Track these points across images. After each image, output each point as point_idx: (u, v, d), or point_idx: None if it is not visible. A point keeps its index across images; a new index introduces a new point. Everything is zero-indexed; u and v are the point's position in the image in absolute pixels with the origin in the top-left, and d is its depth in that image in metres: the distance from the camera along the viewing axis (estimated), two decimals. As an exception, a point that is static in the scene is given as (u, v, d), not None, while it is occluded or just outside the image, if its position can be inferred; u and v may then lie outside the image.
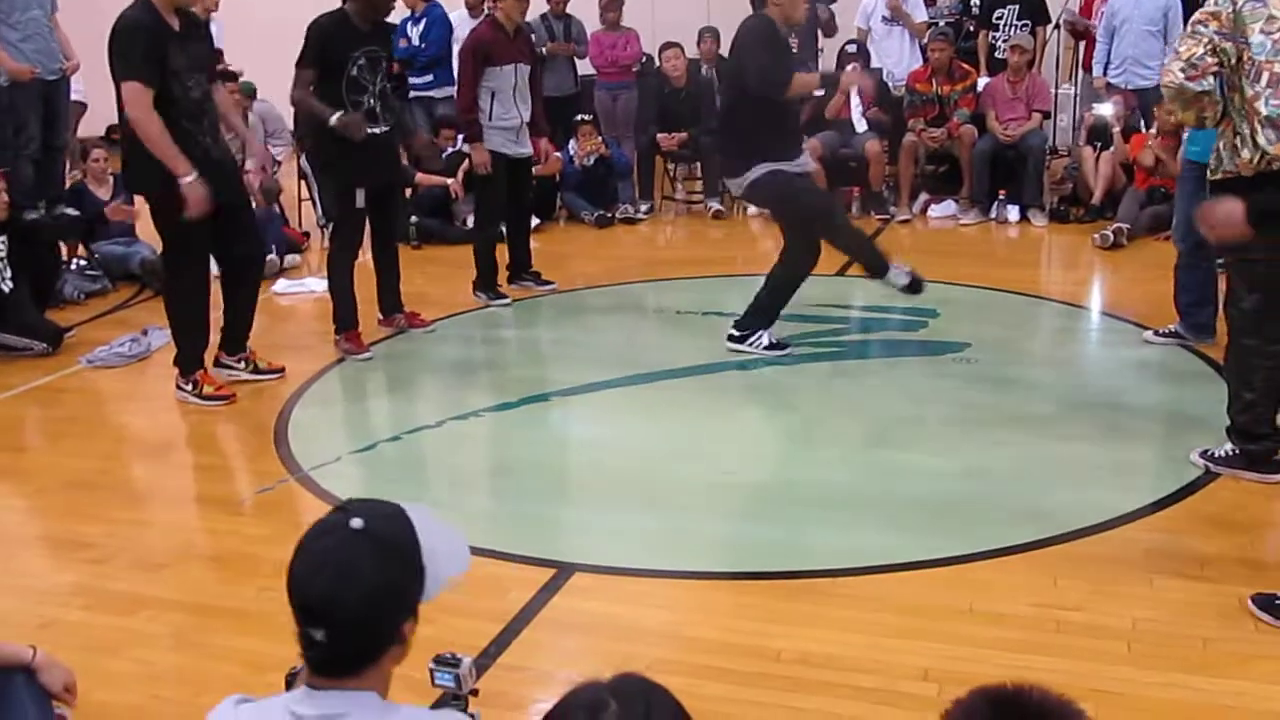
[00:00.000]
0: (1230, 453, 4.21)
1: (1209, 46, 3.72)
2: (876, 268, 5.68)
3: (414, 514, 1.87)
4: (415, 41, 9.62)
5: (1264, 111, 3.68)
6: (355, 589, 1.71)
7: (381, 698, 1.78)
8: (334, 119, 5.70)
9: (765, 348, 5.83)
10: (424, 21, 9.66)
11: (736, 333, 5.89)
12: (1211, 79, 3.73)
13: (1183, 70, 3.74)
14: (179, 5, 5.14)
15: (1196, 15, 3.82)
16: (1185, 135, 5.70)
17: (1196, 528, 3.89)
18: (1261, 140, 3.68)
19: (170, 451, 5.16)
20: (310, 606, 1.73)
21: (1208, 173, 3.96)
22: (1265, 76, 3.69)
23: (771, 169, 5.54)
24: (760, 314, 5.87)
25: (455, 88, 7.24)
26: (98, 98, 9.71)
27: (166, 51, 5.03)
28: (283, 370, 5.88)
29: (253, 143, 5.67)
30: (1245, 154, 3.73)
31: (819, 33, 9.81)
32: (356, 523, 1.76)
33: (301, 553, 1.76)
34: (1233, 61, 3.72)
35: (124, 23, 5.05)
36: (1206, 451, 4.28)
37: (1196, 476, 4.22)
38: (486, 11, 7.06)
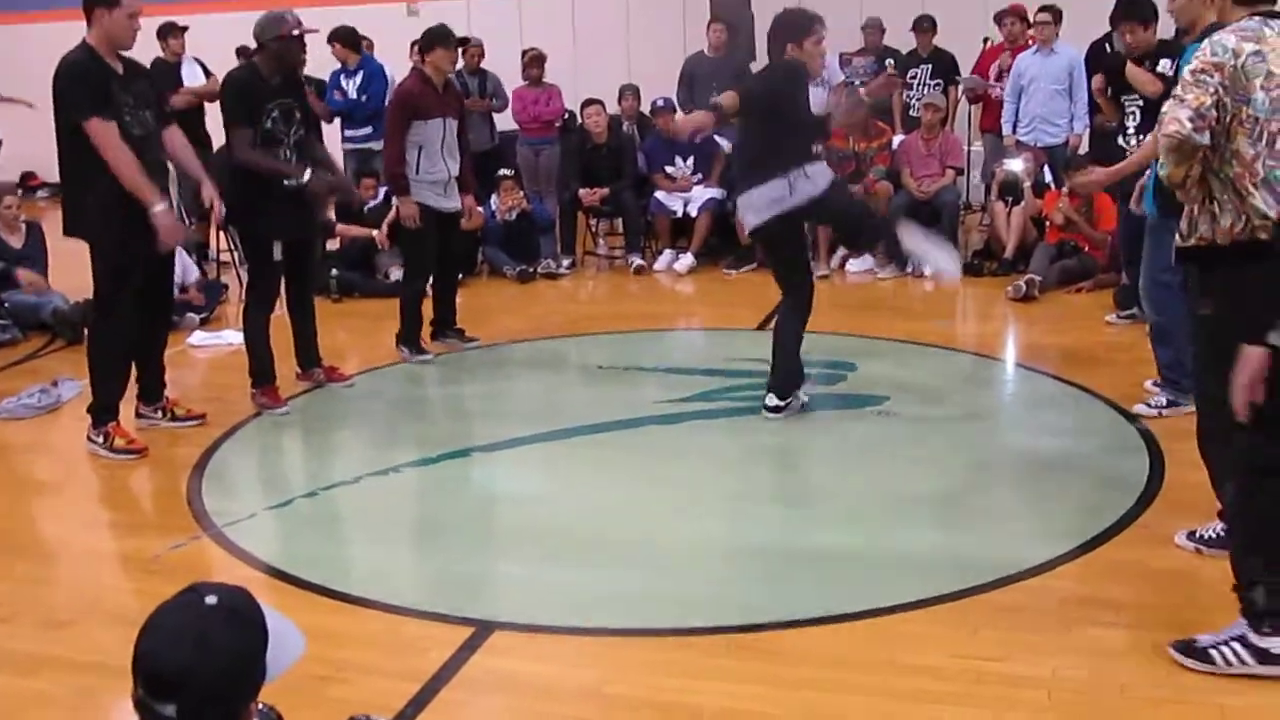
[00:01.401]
0: (1224, 532, 3.84)
1: (1215, 99, 3.41)
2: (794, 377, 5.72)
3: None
4: (351, 94, 9.64)
5: (1262, 173, 3.40)
6: (214, 659, 1.73)
7: None
8: (306, 178, 5.77)
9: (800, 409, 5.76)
10: (360, 75, 9.68)
11: (779, 403, 5.67)
12: (1209, 134, 3.42)
13: (1191, 120, 3.38)
14: (119, 48, 5.20)
15: (1196, 65, 3.47)
16: (1142, 189, 5.39)
17: (1111, 576, 3.94)
18: (1259, 203, 3.35)
19: (79, 505, 5.03)
20: (165, 679, 1.73)
21: (1176, 238, 3.65)
22: (1265, 135, 3.42)
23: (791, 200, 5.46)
24: (788, 377, 5.71)
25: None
26: (10, 142, 9.60)
27: (109, 90, 5.08)
28: (203, 417, 5.83)
29: (204, 177, 5.64)
30: (1226, 221, 3.39)
31: None
32: (211, 598, 1.78)
33: (154, 628, 1.77)
34: (1227, 119, 3.43)
35: (66, 65, 5.11)
36: (1194, 534, 4.04)
37: (1110, 524, 4.28)
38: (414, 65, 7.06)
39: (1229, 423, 3.26)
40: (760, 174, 5.53)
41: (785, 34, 5.57)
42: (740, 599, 3.91)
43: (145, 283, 5.39)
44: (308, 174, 5.77)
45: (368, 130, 9.59)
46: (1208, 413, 3.81)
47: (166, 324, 5.91)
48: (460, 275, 8.77)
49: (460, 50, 10.09)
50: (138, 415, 5.74)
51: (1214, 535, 4.00)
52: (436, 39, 6.75)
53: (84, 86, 5.05)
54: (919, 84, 10.18)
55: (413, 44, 7.61)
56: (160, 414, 5.77)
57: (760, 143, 5.63)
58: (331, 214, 8.63)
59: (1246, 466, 3.31)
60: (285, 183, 5.80)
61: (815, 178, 5.47)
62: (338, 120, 9.73)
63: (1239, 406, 3.12)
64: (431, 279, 7.17)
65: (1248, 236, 3.39)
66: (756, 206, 5.58)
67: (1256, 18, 3.54)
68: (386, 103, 9.33)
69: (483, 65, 10.31)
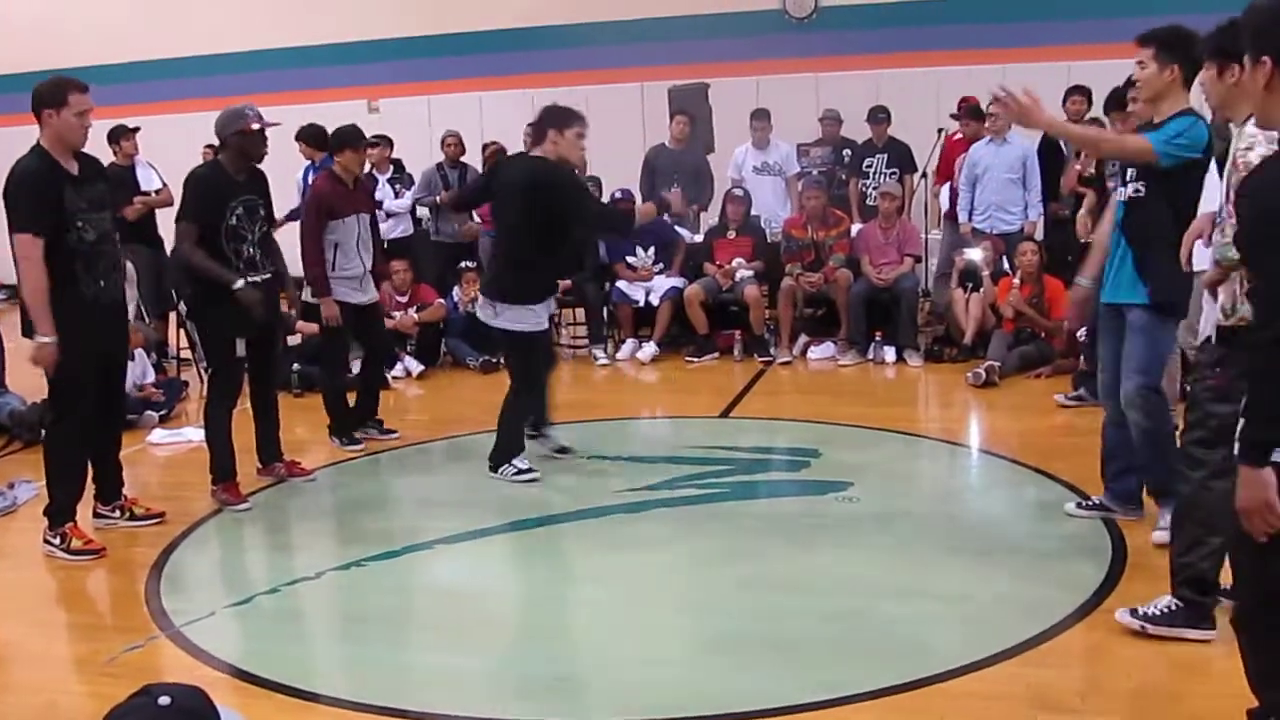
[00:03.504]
0: (1169, 609, 3.99)
1: None
2: (512, 449, 6.25)
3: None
4: None
5: None
6: None
7: None
8: (237, 286, 5.75)
9: (517, 474, 6.20)
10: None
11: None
12: None
13: None
14: (71, 148, 5.19)
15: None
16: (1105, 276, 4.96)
17: (1076, 661, 3.95)
18: None
19: (35, 609, 4.94)
20: None
21: (1219, 316, 3.67)
22: None
23: (527, 329, 6.16)
24: (506, 451, 6.26)
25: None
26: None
27: (61, 195, 5.08)
28: (163, 515, 5.76)
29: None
30: None
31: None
32: (164, 699, 1.75)
33: None
34: None
35: (17, 173, 5.10)
36: (1137, 611, 4.05)
37: (1073, 610, 4.29)
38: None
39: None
40: (497, 280, 6.27)
41: (549, 121, 6.06)
42: (703, 688, 3.87)
43: (98, 383, 5.35)
44: (240, 283, 5.76)
45: None
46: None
47: (120, 423, 5.86)
48: (423, 366, 8.90)
49: (441, 143, 10.34)
50: (96, 515, 5.67)
51: (1158, 612, 4.01)
52: (346, 140, 6.94)
53: (29, 197, 5.03)
54: (875, 173, 10.38)
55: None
56: (118, 513, 5.71)
57: (509, 241, 6.26)
58: (293, 311, 8.64)
59: None
60: (248, 279, 5.82)
61: (522, 319, 6.11)
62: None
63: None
64: (361, 368, 7.25)
65: None
66: (481, 306, 6.34)
67: None
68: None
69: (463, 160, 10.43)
